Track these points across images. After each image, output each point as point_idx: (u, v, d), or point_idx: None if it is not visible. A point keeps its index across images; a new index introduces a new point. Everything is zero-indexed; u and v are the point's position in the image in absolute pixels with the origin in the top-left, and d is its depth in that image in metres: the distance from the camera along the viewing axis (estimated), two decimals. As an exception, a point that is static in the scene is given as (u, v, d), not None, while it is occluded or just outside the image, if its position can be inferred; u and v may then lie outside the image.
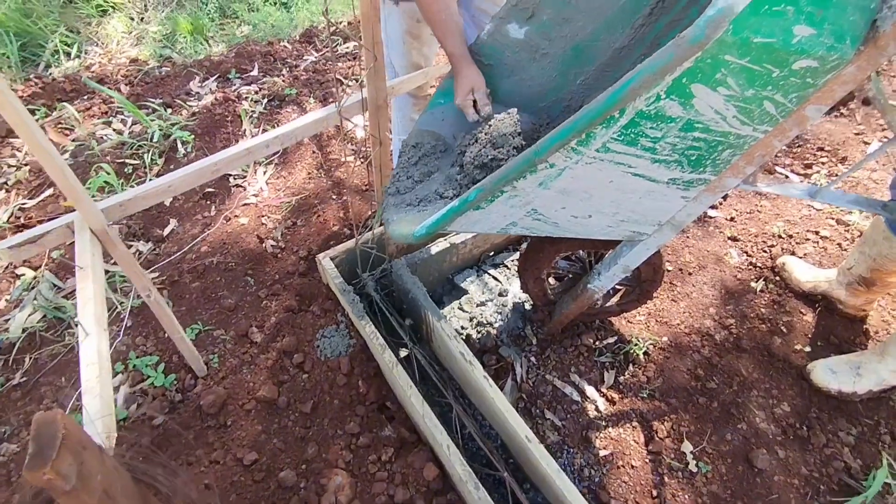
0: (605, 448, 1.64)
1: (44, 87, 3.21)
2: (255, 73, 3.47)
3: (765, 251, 2.18)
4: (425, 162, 1.49)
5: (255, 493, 1.50)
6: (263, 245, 2.26)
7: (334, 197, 2.47)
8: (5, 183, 2.66)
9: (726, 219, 2.33)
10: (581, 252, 1.77)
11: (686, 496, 1.54)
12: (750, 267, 2.14)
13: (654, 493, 1.55)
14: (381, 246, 1.92)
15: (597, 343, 1.88)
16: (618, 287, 1.90)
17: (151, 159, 2.74)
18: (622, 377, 1.81)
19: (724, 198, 2.41)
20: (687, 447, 1.64)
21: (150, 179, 2.62)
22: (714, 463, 1.61)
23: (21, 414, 1.75)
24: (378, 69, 1.56)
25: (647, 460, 1.62)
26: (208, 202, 2.52)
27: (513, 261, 2.15)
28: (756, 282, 2.07)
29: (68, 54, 3.55)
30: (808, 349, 1.87)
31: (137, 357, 1.87)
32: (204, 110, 3.05)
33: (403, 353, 1.79)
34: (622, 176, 1.07)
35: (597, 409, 1.72)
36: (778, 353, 1.86)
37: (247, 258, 2.21)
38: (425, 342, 1.89)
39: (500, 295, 2.03)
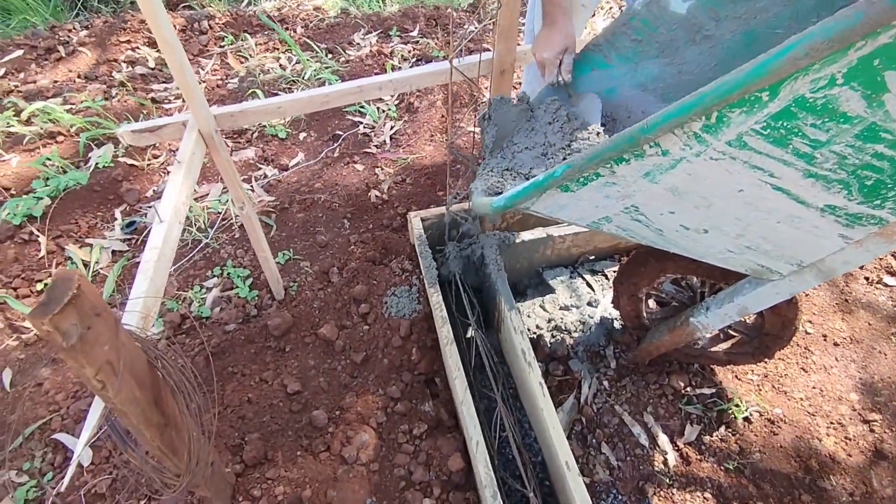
0: (660, 509, 1.39)
1: (235, 19, 3.59)
2: (414, 33, 3.53)
3: (955, 345, 1.67)
4: (533, 132, 1.34)
5: (287, 420, 1.52)
6: (368, 194, 2.28)
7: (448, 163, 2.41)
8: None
9: (909, 292, 1.83)
10: (694, 279, 1.49)
11: None
12: (927, 359, 1.65)
13: (707, 583, 1.28)
14: (476, 217, 1.82)
15: (688, 389, 1.60)
16: (731, 332, 1.58)
17: (300, 95, 2.92)
18: (707, 436, 1.51)
19: (915, 266, 1.89)
20: (768, 547, 1.32)
21: (291, 115, 2.80)
22: (798, 578, 1.28)
23: (133, 288, 1.98)
24: (510, 30, 1.44)
25: (710, 543, 1.34)
26: (335, 143, 2.62)
27: (614, 271, 1.91)
28: (930, 379, 1.59)
29: (265, -6, 3.92)
30: (984, 486, 1.40)
31: (233, 267, 2.01)
32: (357, 59, 3.17)
33: (469, 334, 1.69)
34: (758, 186, 0.82)
35: (665, 462, 1.46)
36: (935, 477, 1.41)
37: (350, 202, 2.25)
38: (493, 331, 1.77)
39: (589, 304, 1.82)
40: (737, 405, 1.55)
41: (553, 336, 1.74)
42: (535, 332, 1.77)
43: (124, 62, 3.14)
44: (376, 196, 2.28)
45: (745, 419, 1.54)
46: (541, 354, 1.68)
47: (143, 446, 0.94)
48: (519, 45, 1.52)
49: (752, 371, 1.64)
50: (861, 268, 1.89)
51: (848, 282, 1.85)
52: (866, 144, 0.68)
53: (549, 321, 1.78)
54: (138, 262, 2.04)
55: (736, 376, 1.64)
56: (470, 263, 1.83)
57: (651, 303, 1.64)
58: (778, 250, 1.00)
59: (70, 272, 0.72)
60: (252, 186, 2.39)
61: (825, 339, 1.71)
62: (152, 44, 3.31)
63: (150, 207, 2.28)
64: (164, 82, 3.07)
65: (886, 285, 1.85)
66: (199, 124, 1.32)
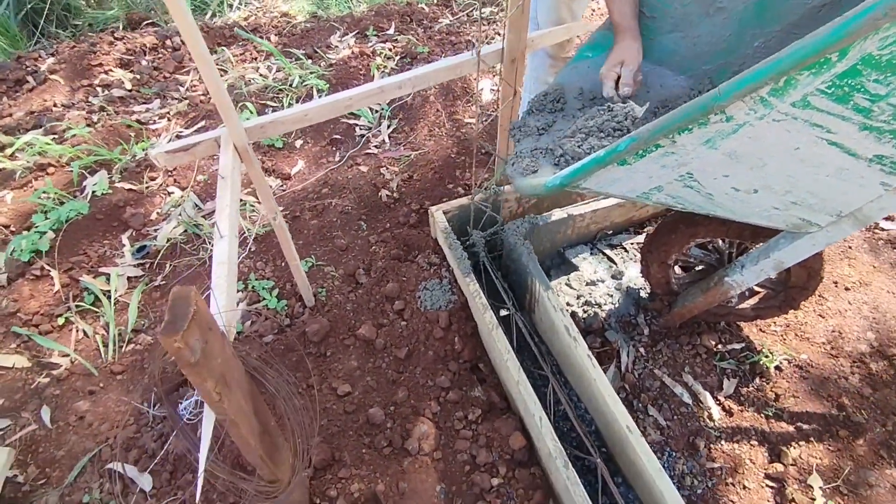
0: (713, 460, 1.47)
1: (207, 32, 3.53)
2: (391, 31, 3.53)
3: (952, 277, 1.80)
4: (562, 115, 1.38)
5: (345, 422, 1.54)
6: (379, 193, 2.30)
7: (452, 156, 2.44)
8: (168, 112, 2.96)
9: (904, 233, 1.96)
10: (720, 242, 1.57)
11: (807, 534, 1.34)
12: (929, 293, 1.78)
13: (768, 521, 1.36)
14: (496, 206, 1.86)
15: (719, 346, 1.68)
16: (757, 289, 1.67)
17: (289, 102, 2.90)
18: (745, 388, 1.60)
19: (905, 209, 2.02)
20: (816, 481, 1.41)
21: (286, 121, 2.78)
22: (849, 506, 1.38)
23: (158, 312, 1.96)
24: (518, 19, 1.48)
25: (764, 484, 1.42)
26: (334, 148, 2.62)
27: (631, 243, 1.99)
28: (935, 311, 1.72)
29: (231, 6, 3.86)
30: None
31: (256, 279, 2.00)
32: (340, 62, 3.16)
33: (504, 315, 1.73)
34: (814, 143, 0.89)
35: (710, 416, 1.54)
36: (953, 399, 1.54)
37: (362, 204, 2.26)
38: (526, 312, 1.82)
39: (614, 277, 1.89)
40: (766, 356, 1.64)
41: (585, 311, 1.80)
42: (567, 309, 1.82)
43: (99, 86, 3.06)
44: (387, 195, 2.30)
45: (777, 368, 1.63)
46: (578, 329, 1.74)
47: (249, 456, 0.96)
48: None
49: (775, 323, 1.74)
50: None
51: (848, 230, 1.97)
52: None
53: (579, 297, 1.84)
54: (158, 286, 2.03)
55: (760, 329, 1.73)
56: (494, 250, 1.87)
57: (677, 269, 1.71)
58: (821, 203, 1.07)
59: (186, 289, 0.74)
60: (257, 199, 2.38)
61: (836, 286, 1.82)
62: (125, 65, 3.23)
63: (158, 230, 2.25)
64: (144, 103, 3.00)
65: (883, 229, 1.97)
66: (234, 138, 1.32)
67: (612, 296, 1.83)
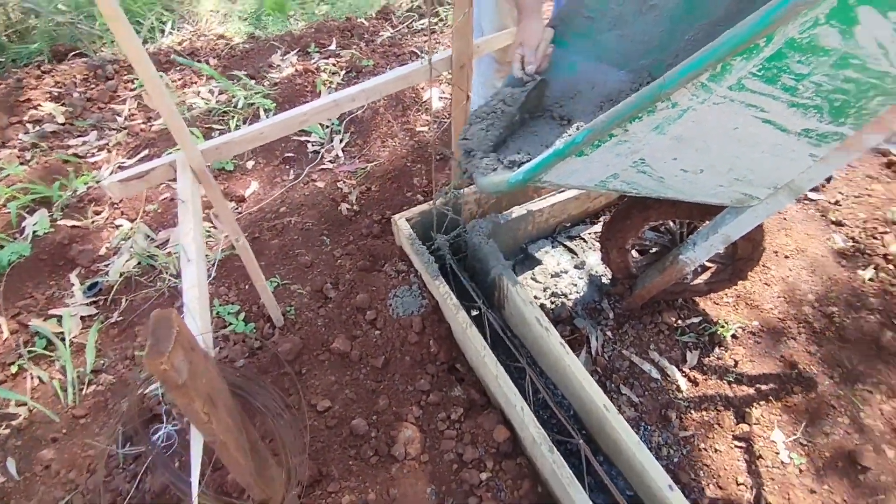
0: (685, 429, 1.55)
1: (142, 58, 3.42)
2: (332, 47, 3.54)
3: (875, 238, 1.97)
4: (512, 117, 1.44)
5: (329, 437, 1.53)
6: (339, 208, 2.30)
7: (408, 164, 2.47)
8: (107, 144, 2.85)
9: (829, 202, 2.13)
10: (672, 223, 1.67)
11: (776, 486, 1.43)
12: (857, 254, 1.95)
13: (740, 479, 1.45)
14: (457, 209, 1.90)
15: (679, 322, 1.78)
16: (707, 265, 1.78)
17: (236, 124, 2.86)
18: (706, 359, 1.70)
19: (828, 180, 2.21)
20: (778, 436, 1.52)
21: (235, 143, 2.74)
22: (809, 456, 1.48)
23: (117, 349, 1.88)
24: (464, 27, 1.53)
25: (733, 445, 1.51)
26: (287, 167, 2.60)
27: (589, 233, 2.07)
28: (865, 270, 1.88)
29: (162, 31, 3.77)
30: (924, 345, 1.69)
31: (221, 305, 1.96)
32: (285, 81, 3.14)
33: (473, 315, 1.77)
34: (750, 122, 0.98)
35: (678, 388, 1.63)
36: (888, 347, 1.68)
37: (323, 219, 2.26)
38: (497, 309, 1.86)
39: (576, 267, 1.96)
40: (722, 326, 1.75)
41: (552, 302, 1.86)
42: (535, 302, 1.88)
43: (30, 122, 2.92)
44: (347, 208, 2.30)
45: (733, 336, 1.74)
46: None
47: (240, 477, 0.95)
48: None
49: (727, 295, 1.86)
50: (789, 189, 2.18)
51: (781, 203, 2.13)
52: (838, 72, 0.84)
53: (545, 290, 1.90)
54: (115, 323, 1.95)
55: (714, 302, 1.84)
56: (459, 252, 1.91)
57: (634, 253, 1.80)
58: (760, 178, 1.17)
59: (166, 311, 0.73)
60: (213, 224, 2.33)
61: (777, 255, 1.96)
62: (55, 99, 3.09)
63: (109, 265, 2.16)
64: (79, 136, 2.88)
65: (811, 200, 2.15)
66: (191, 161, 1.31)
67: (576, 285, 1.90)
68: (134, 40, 1.05)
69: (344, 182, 2.45)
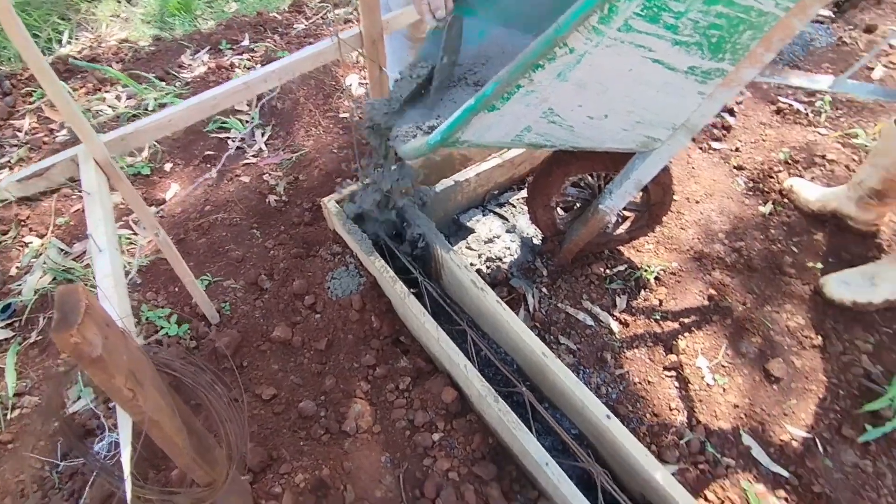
0: (621, 367, 1.64)
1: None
2: (245, 42, 3.44)
3: (771, 177, 2.16)
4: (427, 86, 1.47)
5: (276, 423, 1.51)
6: (267, 200, 2.25)
7: (335, 151, 2.45)
8: (9, 161, 2.65)
9: (731, 149, 2.31)
10: (590, 178, 1.76)
11: (704, 406, 1.55)
12: (757, 193, 2.12)
13: (672, 405, 1.56)
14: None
15: (607, 271, 1.88)
16: (626, 214, 1.89)
17: (149, 128, 2.73)
18: (634, 301, 1.81)
19: (728, 130, 2.39)
20: (703, 362, 1.64)
21: (149, 147, 2.62)
22: (730, 375, 1.62)
23: (39, 369, 1.76)
24: (371, 4, 1.55)
25: (664, 376, 1.62)
26: (208, 165, 2.51)
27: (517, 199, 2.14)
28: (764, 206, 2.06)
29: (60, 41, 3.52)
30: (819, 266, 1.87)
31: (149, 310, 1.87)
32: (198, 79, 3.03)
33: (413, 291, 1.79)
34: (641, 62, 1.05)
35: (610, 332, 1.73)
36: (789, 272, 1.86)
37: (251, 213, 2.20)
38: (435, 280, 1.89)
39: (508, 232, 2.02)
40: (646, 270, 1.87)
41: (488, 267, 1.92)
42: (471, 267, 1.92)
43: None
44: (276, 200, 2.26)
45: (656, 278, 1.86)
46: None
47: (179, 460, 0.92)
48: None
49: (647, 241, 1.98)
50: (694, 140, 2.34)
51: (689, 154, 2.28)
52: (709, 7, 0.93)
53: (480, 256, 1.95)
54: (34, 342, 1.83)
55: (637, 250, 1.96)
56: (392, 228, 1.93)
57: (560, 211, 1.88)
58: (658, 118, 1.26)
59: (72, 286, 0.70)
60: (134, 230, 2.22)
61: (689, 201, 2.10)
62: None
63: (21, 285, 2.02)
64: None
65: (714, 149, 2.31)
66: (94, 153, 1.25)
67: (509, 248, 1.96)
68: (28, 41, 0.99)
69: (270, 174, 2.40)
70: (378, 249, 1.82)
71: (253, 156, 2.53)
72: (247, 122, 2.71)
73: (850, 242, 1.91)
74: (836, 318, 1.72)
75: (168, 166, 2.54)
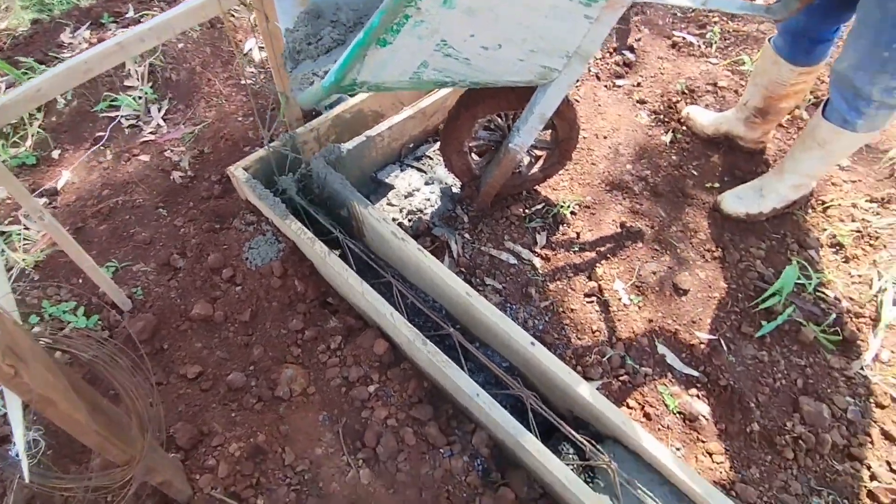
0: (545, 300, 1.71)
1: None
2: (130, 14, 3.15)
3: (671, 108, 2.27)
4: (320, 34, 1.41)
5: (205, 399, 1.46)
6: (171, 177, 2.12)
7: (239, 119, 2.33)
8: None
9: (633, 85, 2.40)
10: (499, 119, 1.77)
11: (622, 325, 1.65)
12: (659, 124, 2.23)
13: (594, 327, 1.65)
14: (295, 149, 1.84)
15: (526, 211, 1.93)
16: (538, 154, 1.93)
17: (30, 115, 2.47)
18: (553, 237, 1.87)
19: (630, 66, 2.47)
20: (619, 285, 1.74)
21: (33, 135, 2.38)
22: (644, 294, 1.72)
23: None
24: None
25: (585, 302, 1.71)
26: (102, 147, 2.32)
27: (434, 151, 2.13)
28: (666, 135, 2.16)
29: None
30: (717, 185, 2.00)
31: (52, 305, 1.74)
32: (79, 56, 2.75)
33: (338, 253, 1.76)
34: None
35: (533, 268, 1.78)
36: (690, 193, 1.98)
37: (155, 192, 2.07)
38: (359, 239, 1.87)
39: (427, 183, 2.02)
40: (562, 206, 1.93)
41: (409, 219, 1.91)
42: (391, 220, 1.91)
43: None
44: (180, 176, 2.13)
45: (572, 213, 1.93)
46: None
47: (85, 438, 0.87)
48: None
49: (562, 179, 2.04)
50: (599, 79, 2.41)
51: (595, 92, 2.35)
52: None
53: (402, 210, 1.94)
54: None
55: (553, 188, 2.02)
56: (308, 190, 1.87)
57: (475, 157, 1.89)
58: (552, 46, 1.28)
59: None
60: (24, 225, 2.03)
61: (598, 137, 2.18)
62: None
63: None
64: None
65: (618, 86, 2.40)
66: (-57, 128, 1.11)
67: (429, 199, 1.96)
68: None
69: (172, 150, 2.25)
70: (296, 214, 1.77)
71: (151, 133, 2.36)
72: (139, 98, 2.51)
73: (741, 161, 2.06)
74: (732, 230, 1.86)
75: (56, 153, 2.32)
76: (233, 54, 2.69)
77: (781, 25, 1.70)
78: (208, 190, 2.04)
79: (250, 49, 2.75)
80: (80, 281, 1.82)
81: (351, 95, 2.08)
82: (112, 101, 2.46)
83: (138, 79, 2.59)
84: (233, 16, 2.89)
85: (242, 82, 2.52)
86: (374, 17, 1.06)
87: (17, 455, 1.40)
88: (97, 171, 2.21)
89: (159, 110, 2.46)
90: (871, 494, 1.34)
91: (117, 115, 2.43)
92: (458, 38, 1.20)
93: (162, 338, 1.63)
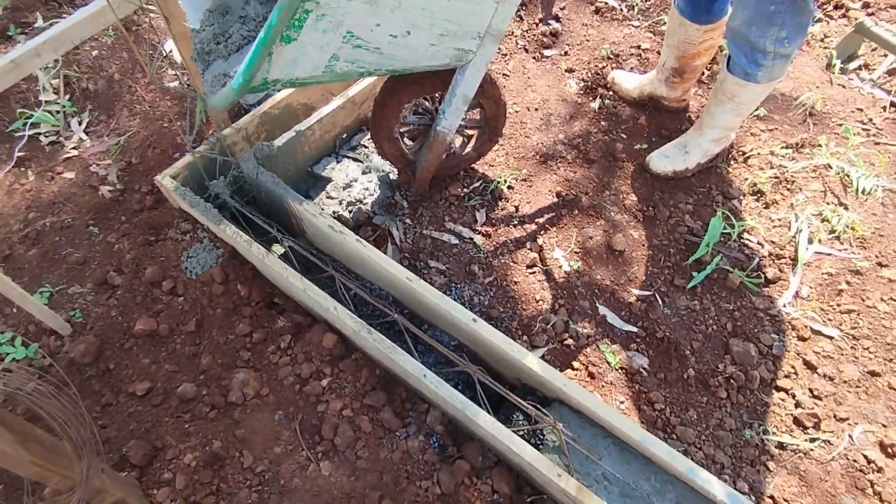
0: (488, 276, 1.75)
1: None
2: (39, 23, 2.98)
3: (598, 73, 2.32)
4: (228, 32, 1.38)
5: (156, 414, 1.46)
6: (99, 193, 2.05)
7: (165, 125, 2.26)
8: None
9: (561, 54, 2.43)
10: (426, 103, 1.78)
11: (563, 291, 1.71)
12: (587, 91, 2.28)
13: (538, 297, 1.70)
14: (223, 152, 1.81)
15: (464, 190, 1.96)
16: (470, 133, 1.95)
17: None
18: (493, 213, 1.91)
19: (556, 36, 2.50)
20: (558, 254, 1.79)
21: (-58, 161, 2.25)
22: (583, 259, 1.78)
23: None
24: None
25: (527, 275, 1.76)
26: (23, 168, 2.22)
27: (368, 140, 2.13)
28: (594, 101, 2.21)
29: None
30: (645, 146, 2.07)
31: (-14, 340, 1.68)
32: (-15, 73, 2.60)
33: (280, 252, 1.75)
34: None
35: (475, 246, 1.82)
36: (621, 157, 2.04)
37: (84, 210, 2.00)
38: (300, 237, 1.86)
39: (364, 173, 2.02)
40: (499, 182, 1.96)
41: (350, 210, 1.91)
42: (329, 213, 1.91)
43: None
44: (109, 191, 2.06)
45: (509, 187, 1.97)
46: (348, 228, 1.85)
47: (21, 470, 0.87)
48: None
49: (497, 155, 2.07)
50: (527, 51, 2.44)
51: (524, 65, 2.37)
52: None
53: (341, 202, 1.94)
54: None
55: (490, 165, 2.05)
56: (244, 192, 1.85)
57: (407, 141, 1.90)
58: (461, 28, 1.29)
59: None
60: (-54, 258, 1.94)
61: (529, 110, 2.21)
62: None
63: None
64: None
65: (546, 57, 2.43)
66: None
67: (367, 189, 1.97)
68: None
69: (98, 164, 2.17)
70: (232, 219, 1.74)
71: (74, 148, 2.27)
72: (57, 112, 2.39)
73: (666, 120, 2.13)
74: (661, 188, 1.94)
75: (-29, 179, 2.20)
76: (152, 57, 2.59)
77: None
78: (140, 202, 1.99)
79: (170, 50, 2.65)
80: (14, 311, 1.76)
81: (272, 93, 2.04)
82: (27, 117, 2.34)
83: (53, 92, 2.47)
84: (147, 16, 2.77)
85: (161, 87, 2.43)
86: (272, 14, 1.04)
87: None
88: (19, 194, 2.12)
89: (80, 123, 2.36)
90: (796, 420, 1.45)
91: (35, 133, 2.32)
92: (364, 28, 1.20)
93: (107, 358, 1.60)
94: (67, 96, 2.46)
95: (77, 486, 0.95)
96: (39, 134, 2.32)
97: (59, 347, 1.66)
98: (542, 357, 1.56)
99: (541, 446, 1.37)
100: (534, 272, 1.76)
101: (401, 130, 1.79)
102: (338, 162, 2.07)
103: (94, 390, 1.54)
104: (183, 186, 1.72)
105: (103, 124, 2.35)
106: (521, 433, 1.29)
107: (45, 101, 2.45)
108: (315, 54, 1.21)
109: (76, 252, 1.87)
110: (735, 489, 1.22)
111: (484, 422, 1.26)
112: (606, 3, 2.61)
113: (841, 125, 2.05)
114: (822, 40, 2.34)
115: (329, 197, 1.98)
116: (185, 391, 1.48)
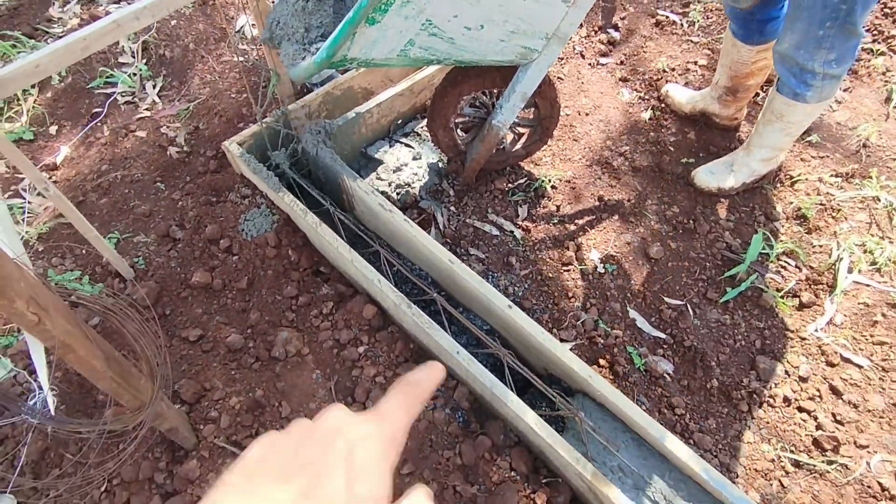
0: (525, 268, 1.82)
1: None
2: (122, -11, 3.17)
3: (651, 85, 2.35)
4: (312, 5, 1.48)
5: (206, 359, 1.57)
6: (168, 153, 2.19)
7: (233, 96, 2.39)
8: None
9: (616, 63, 2.47)
10: (484, 96, 1.85)
11: (596, 291, 1.76)
12: (640, 101, 2.31)
13: (570, 294, 1.76)
14: (287, 125, 1.92)
15: (509, 185, 2.02)
16: (521, 131, 2.02)
17: (24, 91, 2.52)
18: (535, 210, 1.97)
19: (614, 45, 2.54)
20: (594, 255, 1.84)
21: (28, 111, 2.44)
22: (618, 263, 1.83)
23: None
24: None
25: (563, 271, 1.81)
26: (100, 123, 2.38)
27: (422, 127, 2.21)
28: (645, 112, 2.25)
29: None
30: (692, 160, 2.10)
31: (57, 275, 1.83)
32: (73, 32, 2.79)
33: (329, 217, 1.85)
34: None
35: (515, 239, 1.88)
36: (667, 168, 2.07)
37: (153, 167, 2.15)
38: (349, 212, 1.96)
39: (415, 159, 2.10)
40: (544, 181, 2.02)
41: (398, 193, 2.00)
42: (379, 192, 2.00)
43: None
44: (177, 151, 2.20)
45: (552, 187, 2.02)
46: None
47: (101, 383, 0.98)
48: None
49: (544, 155, 2.13)
50: (584, 57, 2.48)
51: (579, 70, 2.42)
52: None
53: (390, 184, 2.03)
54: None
55: (535, 164, 2.11)
56: (300, 165, 1.96)
57: (461, 133, 1.97)
58: (531, 27, 1.36)
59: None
60: (28, 199, 2.11)
61: (580, 115, 2.26)
62: None
63: None
64: None
65: (602, 64, 2.47)
66: (-44, 103, 1.19)
67: (416, 174, 2.05)
68: None
69: (168, 126, 2.32)
70: (290, 188, 1.85)
71: (147, 109, 2.42)
72: (134, 74, 2.56)
73: (716, 137, 2.15)
74: (704, 203, 1.97)
75: (53, 129, 2.38)
76: (224, 32, 2.73)
77: (729, 12, 1.78)
78: (204, 165, 2.12)
79: (242, 26, 2.79)
80: (84, 252, 1.91)
81: (342, 72, 2.15)
82: (108, 77, 2.51)
83: (132, 55, 2.64)
84: (224, -8, 2.92)
85: (234, 59, 2.57)
86: (362, -1, 1.13)
87: (36, 404, 1.51)
88: (95, 147, 2.28)
89: (154, 87, 2.51)
90: (815, 441, 1.47)
91: (113, 92, 2.48)
92: (442, 18, 1.27)
93: (164, 304, 1.73)
94: (144, 61, 2.62)
95: (145, 407, 1.06)
96: (117, 93, 2.48)
97: (121, 290, 1.79)
98: (570, 350, 1.62)
99: (561, 433, 1.43)
100: (569, 270, 1.82)
101: (456, 121, 1.87)
102: (391, 146, 2.16)
103: (151, 331, 1.67)
104: (248, 154, 1.84)
105: (175, 90, 2.50)
106: (545, 418, 1.35)
107: (125, 64, 2.62)
108: (393, 38, 1.30)
109: (143, 205, 2.01)
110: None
111: (511, 401, 1.32)
112: (668, 17, 2.63)
113: (894, 160, 2.03)
114: (883, 73, 2.31)
115: (379, 178, 2.07)
116: (234, 341, 1.59)
